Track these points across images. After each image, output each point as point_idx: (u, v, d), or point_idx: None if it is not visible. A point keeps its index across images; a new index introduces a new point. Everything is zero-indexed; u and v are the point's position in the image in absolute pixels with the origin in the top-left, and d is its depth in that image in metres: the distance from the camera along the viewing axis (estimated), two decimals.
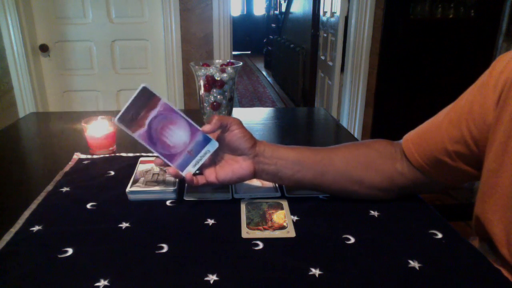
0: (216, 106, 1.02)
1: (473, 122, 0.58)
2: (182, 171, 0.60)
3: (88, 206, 0.67)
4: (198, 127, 0.60)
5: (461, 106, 0.60)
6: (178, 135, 0.60)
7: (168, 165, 0.61)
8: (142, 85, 0.57)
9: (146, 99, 0.57)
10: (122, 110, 0.57)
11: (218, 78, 0.99)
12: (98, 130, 0.89)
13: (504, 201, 0.54)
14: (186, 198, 0.70)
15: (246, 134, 0.63)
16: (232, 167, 0.63)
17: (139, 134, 0.58)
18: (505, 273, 0.54)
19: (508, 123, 0.53)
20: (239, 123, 0.63)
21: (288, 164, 0.64)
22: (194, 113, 1.13)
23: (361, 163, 0.66)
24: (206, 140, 0.61)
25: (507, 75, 0.54)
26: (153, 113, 0.58)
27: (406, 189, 0.68)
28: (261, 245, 0.56)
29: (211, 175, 0.63)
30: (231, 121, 0.62)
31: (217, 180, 0.63)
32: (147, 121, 0.58)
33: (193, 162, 0.61)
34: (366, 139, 0.71)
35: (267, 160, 0.63)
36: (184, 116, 0.60)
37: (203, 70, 0.99)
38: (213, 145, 0.61)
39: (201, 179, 0.64)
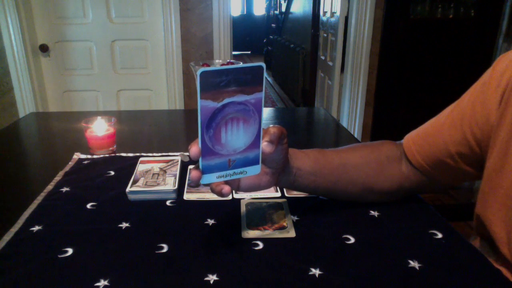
0: None
1: (476, 122, 0.58)
2: (204, 173, 0.48)
3: (88, 206, 0.67)
4: (261, 142, 0.49)
5: (462, 107, 0.60)
6: (238, 137, 0.47)
7: (196, 160, 0.48)
8: (261, 63, 0.46)
9: (252, 78, 0.46)
10: (222, 67, 0.45)
11: None
12: (98, 130, 0.89)
13: (505, 201, 0.54)
14: (186, 198, 0.70)
15: (289, 150, 0.58)
16: (260, 179, 0.54)
17: (206, 105, 0.45)
18: (505, 272, 0.54)
19: (511, 123, 0.53)
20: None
21: (304, 174, 0.60)
22: (194, 113, 1.13)
23: (373, 169, 0.65)
24: (254, 161, 0.50)
25: (509, 75, 0.54)
26: (240, 97, 0.45)
27: (410, 191, 0.68)
28: (261, 245, 0.56)
29: (234, 183, 0.53)
30: (285, 133, 0.53)
31: (239, 190, 0.55)
32: (227, 100, 0.45)
33: (222, 173, 0.49)
34: (373, 141, 0.70)
35: (288, 171, 0.59)
36: (261, 121, 0.48)
37: None
38: (254, 170, 0.51)
39: (226, 188, 0.50)
